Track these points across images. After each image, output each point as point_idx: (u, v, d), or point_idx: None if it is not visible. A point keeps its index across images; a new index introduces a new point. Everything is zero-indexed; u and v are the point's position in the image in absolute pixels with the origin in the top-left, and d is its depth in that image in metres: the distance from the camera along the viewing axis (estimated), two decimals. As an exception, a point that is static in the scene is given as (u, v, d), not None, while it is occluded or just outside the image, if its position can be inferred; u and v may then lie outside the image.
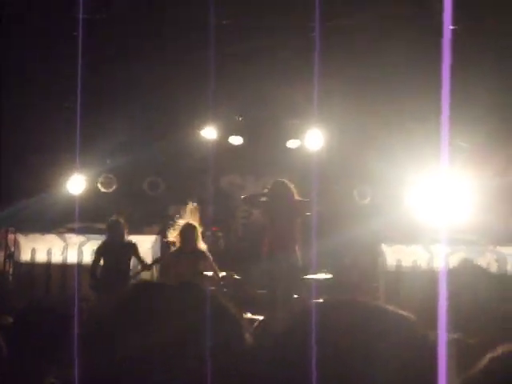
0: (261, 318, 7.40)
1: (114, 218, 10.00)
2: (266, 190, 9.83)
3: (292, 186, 9.68)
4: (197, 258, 9.19)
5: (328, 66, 9.47)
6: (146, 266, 9.89)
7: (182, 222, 9.41)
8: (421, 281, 10.71)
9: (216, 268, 9.28)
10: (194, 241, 9.23)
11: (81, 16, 8.80)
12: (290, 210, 9.54)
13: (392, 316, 1.53)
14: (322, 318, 1.46)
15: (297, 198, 9.62)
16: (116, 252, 9.69)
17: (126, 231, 9.89)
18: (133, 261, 9.97)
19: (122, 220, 9.89)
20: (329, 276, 9.50)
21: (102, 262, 9.78)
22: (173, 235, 9.41)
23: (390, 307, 1.56)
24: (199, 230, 9.36)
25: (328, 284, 9.51)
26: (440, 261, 11.10)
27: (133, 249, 9.84)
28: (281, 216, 9.51)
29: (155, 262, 10.26)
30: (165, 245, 10.45)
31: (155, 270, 10.73)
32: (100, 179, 11.99)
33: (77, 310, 2.55)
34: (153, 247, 11.68)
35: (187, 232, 9.23)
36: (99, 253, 9.87)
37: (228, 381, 1.53)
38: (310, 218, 9.73)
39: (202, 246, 9.36)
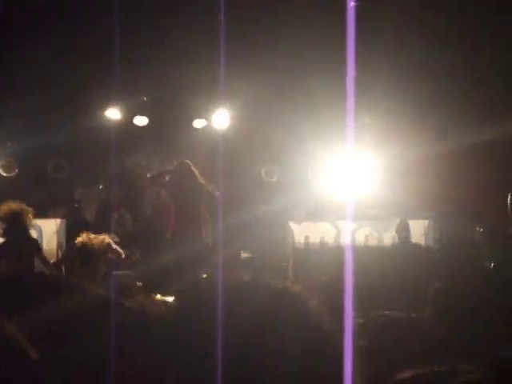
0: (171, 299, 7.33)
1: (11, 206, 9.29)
2: (170, 168, 9.75)
3: (195, 168, 9.61)
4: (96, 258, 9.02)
5: (233, 45, 9.43)
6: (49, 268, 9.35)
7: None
8: (328, 257, 10.87)
9: (120, 251, 9.15)
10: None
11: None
12: (194, 190, 9.49)
13: (285, 298, 1.51)
14: (226, 299, 1.43)
15: (200, 179, 9.57)
16: (17, 252, 9.01)
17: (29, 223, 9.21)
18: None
19: (22, 207, 9.19)
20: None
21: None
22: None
23: (291, 289, 1.54)
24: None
25: (238, 263, 9.53)
26: (346, 236, 11.31)
27: (35, 247, 9.23)
28: (184, 195, 9.44)
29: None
30: (71, 229, 10.22)
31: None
32: (0, 163, 11.63)
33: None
34: (58, 231, 11.43)
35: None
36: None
37: None
38: (217, 197, 9.72)
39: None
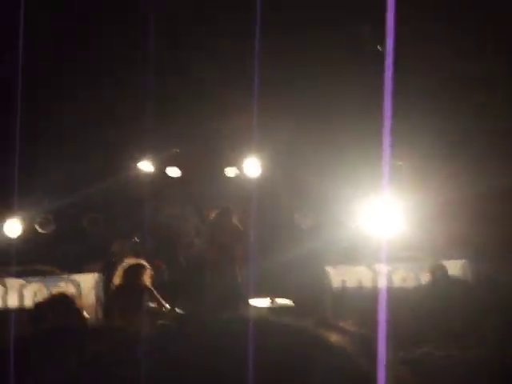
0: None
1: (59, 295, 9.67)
2: (208, 217, 9.90)
3: (233, 212, 9.74)
4: (140, 293, 9.13)
5: (263, 93, 9.54)
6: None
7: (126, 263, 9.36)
8: (366, 301, 10.78)
9: (160, 300, 9.24)
10: (138, 278, 9.20)
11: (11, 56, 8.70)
12: (230, 237, 9.58)
13: (326, 346, 1.51)
14: (258, 337, 1.44)
15: (237, 226, 9.68)
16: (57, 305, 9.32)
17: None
18: None
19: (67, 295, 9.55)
20: (270, 302, 9.51)
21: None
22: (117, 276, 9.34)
23: (327, 336, 1.55)
24: (144, 267, 9.32)
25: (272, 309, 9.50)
26: (383, 279, 11.23)
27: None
28: (222, 236, 9.55)
29: None
30: (108, 283, 10.29)
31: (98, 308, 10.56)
32: (38, 220, 11.77)
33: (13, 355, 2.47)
34: (96, 286, 11.50)
35: (131, 270, 9.20)
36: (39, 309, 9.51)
37: None
38: (251, 243, 9.77)
39: (146, 281, 9.33)
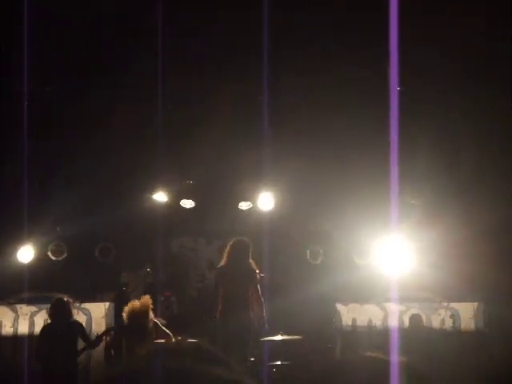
0: None
1: (57, 297, 9.94)
2: (226, 249, 9.87)
3: (250, 247, 9.74)
4: (145, 332, 9.20)
5: (277, 129, 9.61)
6: (92, 344, 9.72)
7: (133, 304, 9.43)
8: (376, 340, 10.72)
9: (168, 334, 9.27)
10: (144, 319, 9.30)
11: (26, 89, 8.83)
12: (246, 271, 9.59)
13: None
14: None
15: (251, 262, 9.68)
16: (61, 335, 9.56)
17: (71, 309, 9.84)
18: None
19: (66, 298, 9.82)
20: (287, 337, 9.46)
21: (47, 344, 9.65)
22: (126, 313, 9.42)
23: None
24: (149, 309, 9.40)
25: (284, 345, 9.45)
26: (393, 319, 11.16)
27: (79, 329, 9.76)
28: (237, 277, 9.54)
29: (103, 334, 10.06)
30: (119, 313, 10.30)
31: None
32: (50, 247, 11.81)
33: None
34: (106, 315, 11.51)
35: (139, 314, 9.29)
36: (43, 337, 9.73)
37: None
38: (263, 280, 9.77)
39: (151, 319, 9.42)
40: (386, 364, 1.60)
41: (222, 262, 9.86)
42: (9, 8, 7.90)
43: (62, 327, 9.61)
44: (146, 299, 9.52)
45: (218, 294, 9.68)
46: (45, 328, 9.89)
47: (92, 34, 8.69)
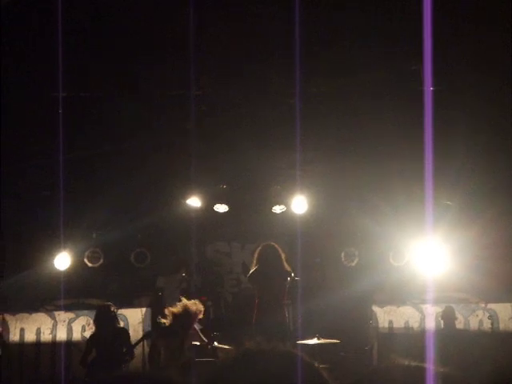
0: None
1: (103, 304, 10.05)
2: (256, 255, 9.86)
3: (280, 250, 9.74)
4: (184, 334, 9.22)
5: (308, 130, 9.59)
6: (133, 353, 9.77)
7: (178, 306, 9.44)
8: (414, 342, 10.63)
9: (203, 337, 9.29)
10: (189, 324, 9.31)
11: (61, 94, 8.91)
12: (278, 275, 9.57)
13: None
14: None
15: (285, 264, 9.67)
16: (108, 343, 9.64)
17: (117, 316, 9.94)
18: None
19: (111, 306, 9.91)
20: (324, 340, 9.43)
21: (93, 352, 9.75)
22: (167, 317, 9.41)
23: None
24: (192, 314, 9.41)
25: (320, 348, 9.42)
26: (431, 321, 11.05)
27: (125, 336, 9.83)
28: (270, 282, 9.53)
29: (140, 341, 10.12)
30: (155, 318, 10.35)
31: (146, 344, 10.64)
32: (86, 254, 11.91)
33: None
34: (143, 320, 11.58)
35: (182, 317, 9.29)
36: (90, 344, 9.83)
37: None
38: (297, 282, 9.75)
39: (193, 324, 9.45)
40: (422, 372, 1.60)
41: (252, 269, 9.88)
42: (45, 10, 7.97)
43: (109, 334, 9.70)
44: (199, 304, 9.49)
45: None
46: (93, 336, 9.98)
47: (124, 39, 8.73)
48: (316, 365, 1.66)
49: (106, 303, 10.22)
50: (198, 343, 9.05)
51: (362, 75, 9.20)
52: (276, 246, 9.77)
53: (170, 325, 9.32)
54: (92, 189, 11.00)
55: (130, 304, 11.96)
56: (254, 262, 9.87)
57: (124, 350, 9.65)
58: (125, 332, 9.98)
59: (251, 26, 8.64)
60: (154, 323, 10.70)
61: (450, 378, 1.72)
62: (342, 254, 12.44)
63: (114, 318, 9.89)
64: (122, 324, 10.57)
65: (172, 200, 11.68)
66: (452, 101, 8.94)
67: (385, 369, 1.63)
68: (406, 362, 1.67)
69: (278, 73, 9.12)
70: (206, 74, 9.27)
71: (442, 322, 10.86)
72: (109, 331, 9.71)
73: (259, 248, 9.90)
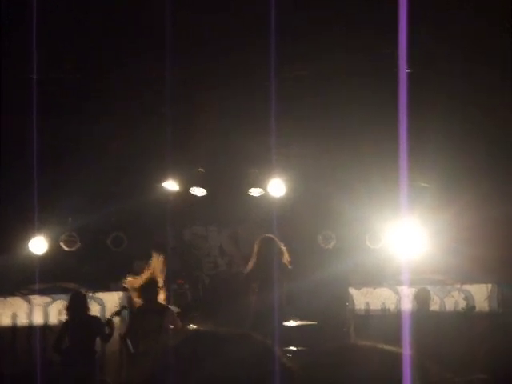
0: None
1: (75, 293, 10.06)
2: (254, 249, 9.67)
3: (279, 243, 9.54)
4: (161, 314, 9.18)
5: (284, 113, 9.57)
6: (107, 338, 9.75)
7: (144, 276, 9.39)
8: (390, 323, 10.70)
9: (179, 322, 9.29)
10: (156, 297, 9.27)
11: (35, 76, 8.82)
12: (279, 271, 9.42)
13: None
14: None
15: (284, 258, 9.50)
16: (80, 331, 9.62)
17: (88, 304, 9.93)
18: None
19: (82, 294, 9.94)
20: (302, 322, 9.47)
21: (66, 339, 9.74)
22: (134, 286, 9.38)
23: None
24: (160, 284, 9.37)
25: (298, 331, 9.46)
26: (407, 302, 11.12)
27: (96, 324, 9.80)
28: (269, 277, 9.34)
29: (115, 314, 10.07)
30: (131, 301, 10.33)
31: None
32: (62, 237, 11.85)
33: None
34: (120, 304, 11.54)
35: (149, 289, 9.24)
36: (63, 332, 9.81)
37: None
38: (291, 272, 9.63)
39: (163, 299, 9.40)
40: (397, 357, 1.60)
41: (251, 265, 9.64)
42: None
43: (81, 322, 9.69)
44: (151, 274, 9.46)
45: (249, 303, 9.55)
46: (65, 323, 9.95)
47: (99, 20, 8.64)
48: (273, 348, 1.66)
49: (77, 291, 10.24)
50: (172, 326, 9.05)
51: (337, 58, 9.20)
52: (275, 239, 9.58)
53: (142, 306, 9.30)
54: (68, 172, 10.92)
55: (107, 288, 11.92)
56: (254, 256, 9.66)
57: (104, 330, 9.67)
58: (97, 320, 9.99)
59: (228, 11, 8.59)
60: (131, 306, 10.67)
61: (424, 369, 1.73)
62: (319, 237, 12.49)
63: (86, 306, 9.89)
64: (94, 307, 10.60)
65: (148, 184, 11.64)
66: (428, 82, 8.95)
67: (361, 348, 1.63)
68: (382, 346, 1.67)
69: (254, 56, 9.08)
70: (183, 58, 9.20)
71: (415, 303, 10.83)
72: (81, 319, 9.71)
73: (258, 242, 9.69)
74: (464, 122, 9.96)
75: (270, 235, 9.66)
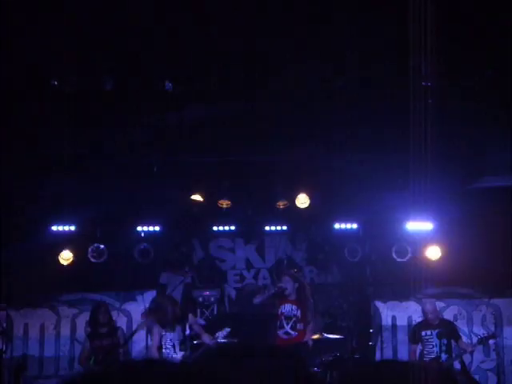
0: None
1: (97, 306, 10.17)
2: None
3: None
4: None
5: (312, 128, 9.56)
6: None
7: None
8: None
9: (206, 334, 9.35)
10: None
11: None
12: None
13: None
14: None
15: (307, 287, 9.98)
16: (103, 342, 9.76)
17: (111, 315, 10.07)
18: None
19: (104, 306, 10.08)
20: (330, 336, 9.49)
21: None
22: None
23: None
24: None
25: (326, 344, 9.46)
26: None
27: (118, 335, 9.94)
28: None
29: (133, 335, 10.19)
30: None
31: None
32: (90, 249, 11.89)
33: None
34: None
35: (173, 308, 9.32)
36: (87, 345, 9.97)
37: None
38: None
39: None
40: (424, 371, 1.60)
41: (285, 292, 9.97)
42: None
43: (105, 334, 9.79)
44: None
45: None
46: (89, 336, 10.05)
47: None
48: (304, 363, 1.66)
49: (100, 302, 10.38)
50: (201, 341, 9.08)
51: (358, 72, 9.11)
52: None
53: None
54: (96, 185, 10.94)
55: (133, 300, 11.97)
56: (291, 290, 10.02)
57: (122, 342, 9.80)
58: (118, 331, 10.10)
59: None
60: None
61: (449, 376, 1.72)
62: (346, 250, 12.45)
63: (109, 318, 10.02)
64: (121, 319, 10.70)
65: (175, 195, 11.64)
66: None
67: (388, 365, 1.62)
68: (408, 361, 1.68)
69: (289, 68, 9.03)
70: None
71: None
72: (104, 331, 9.82)
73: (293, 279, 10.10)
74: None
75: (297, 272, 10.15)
